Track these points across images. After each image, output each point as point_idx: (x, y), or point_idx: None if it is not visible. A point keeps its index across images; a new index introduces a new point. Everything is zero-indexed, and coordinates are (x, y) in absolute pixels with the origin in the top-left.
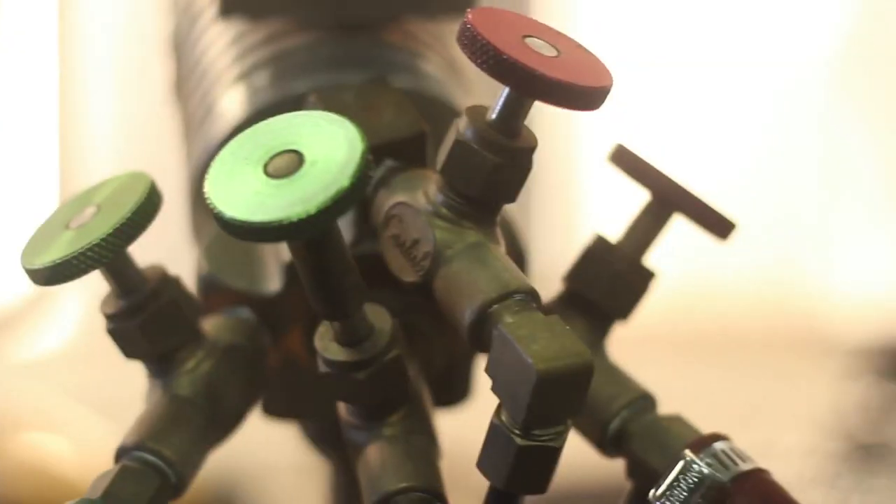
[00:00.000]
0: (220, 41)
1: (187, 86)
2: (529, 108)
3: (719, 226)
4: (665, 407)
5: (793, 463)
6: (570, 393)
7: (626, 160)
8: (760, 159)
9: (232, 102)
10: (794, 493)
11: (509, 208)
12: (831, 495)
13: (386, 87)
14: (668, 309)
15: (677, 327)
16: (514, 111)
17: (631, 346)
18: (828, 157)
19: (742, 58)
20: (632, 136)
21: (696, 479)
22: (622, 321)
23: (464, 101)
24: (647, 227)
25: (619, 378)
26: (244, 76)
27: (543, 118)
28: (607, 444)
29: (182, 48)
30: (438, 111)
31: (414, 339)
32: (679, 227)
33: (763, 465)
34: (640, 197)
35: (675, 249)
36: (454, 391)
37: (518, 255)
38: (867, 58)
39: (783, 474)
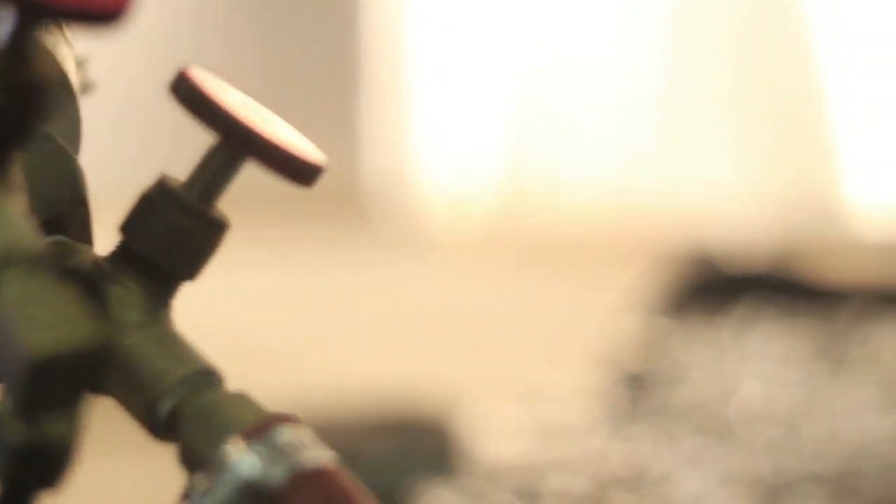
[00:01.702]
0: None
1: None
2: (233, 174)
3: (301, 172)
4: (475, 317)
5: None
6: (72, 374)
7: (187, 93)
8: (604, 75)
9: None
10: (561, 434)
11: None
12: (592, 442)
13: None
14: (503, 216)
15: (511, 234)
16: (218, 172)
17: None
18: (670, 77)
19: None
20: (472, 51)
21: (237, 476)
22: (187, 281)
23: None
24: (214, 172)
25: (177, 351)
26: None
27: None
28: (158, 427)
29: None
30: None
31: None
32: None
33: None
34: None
35: (509, 157)
36: None
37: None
38: None
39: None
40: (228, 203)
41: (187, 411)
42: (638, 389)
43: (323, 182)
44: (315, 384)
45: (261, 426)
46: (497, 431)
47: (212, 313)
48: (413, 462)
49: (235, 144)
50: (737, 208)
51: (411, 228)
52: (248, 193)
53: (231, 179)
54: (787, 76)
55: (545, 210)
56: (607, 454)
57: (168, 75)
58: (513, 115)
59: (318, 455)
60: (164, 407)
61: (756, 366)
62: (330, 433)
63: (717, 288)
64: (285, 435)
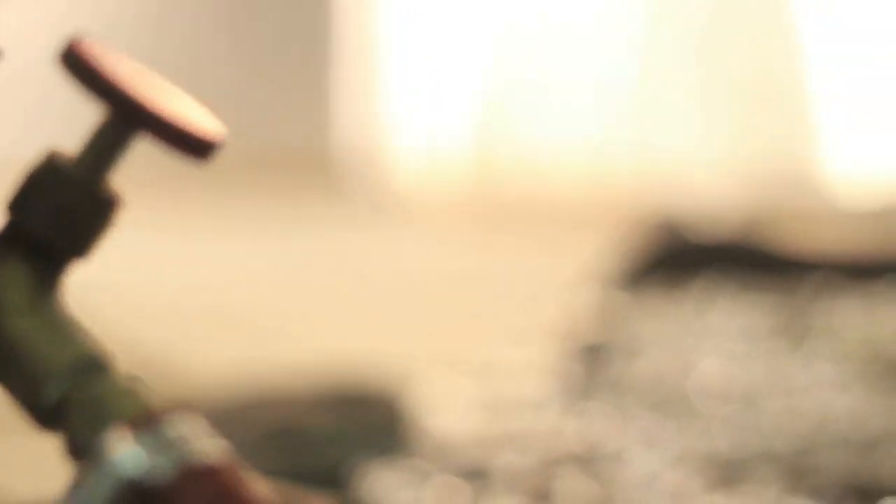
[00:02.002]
0: None
1: None
2: (125, 148)
3: (194, 146)
4: (439, 286)
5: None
6: None
7: (76, 64)
8: (576, 42)
9: None
10: (513, 410)
11: None
12: (545, 419)
13: None
14: (473, 183)
15: (481, 201)
16: (109, 147)
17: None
18: (643, 43)
19: None
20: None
21: (116, 470)
22: (78, 259)
23: None
24: (105, 147)
25: (64, 334)
26: None
27: None
28: (44, 414)
29: None
30: None
31: None
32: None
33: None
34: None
35: (481, 123)
36: None
37: None
38: None
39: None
40: (194, 169)
41: (74, 399)
42: (594, 364)
43: (294, 148)
44: (270, 353)
45: (151, 417)
46: (448, 407)
47: (175, 279)
48: (360, 437)
49: (125, 118)
50: (709, 176)
51: (381, 196)
52: (222, 160)
53: (123, 154)
54: (762, 43)
55: (515, 177)
56: (560, 431)
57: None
58: (484, 82)
59: (210, 450)
60: (51, 394)
61: (716, 341)
62: (275, 406)
63: (682, 257)
64: (176, 428)
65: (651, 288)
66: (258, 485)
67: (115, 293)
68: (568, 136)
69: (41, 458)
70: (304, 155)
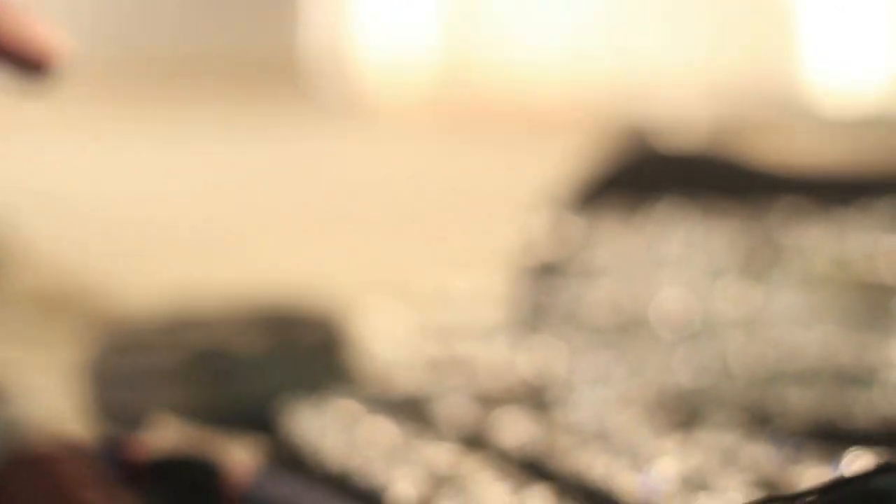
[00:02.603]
0: None
1: None
2: None
3: (29, 63)
4: (396, 199)
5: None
6: None
7: None
8: None
9: None
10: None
11: None
12: (492, 348)
13: None
14: (439, 89)
15: (446, 108)
16: None
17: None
18: None
19: None
20: None
21: None
22: None
23: None
24: None
25: None
26: None
27: None
28: None
29: None
30: None
31: None
32: None
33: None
34: None
35: (448, 27)
36: None
37: None
38: None
39: None
40: (159, 75)
41: None
42: (546, 291)
43: (259, 50)
44: (211, 270)
45: None
46: (389, 334)
47: (124, 189)
48: (293, 362)
49: None
50: (683, 85)
51: (347, 99)
52: (184, 64)
53: None
54: None
55: (484, 81)
56: (506, 365)
57: None
58: None
59: (40, 438)
60: None
61: (677, 268)
62: (203, 327)
63: (649, 170)
64: (7, 413)
65: (612, 206)
66: (87, 476)
67: (60, 203)
68: (538, 40)
69: None
70: (269, 57)
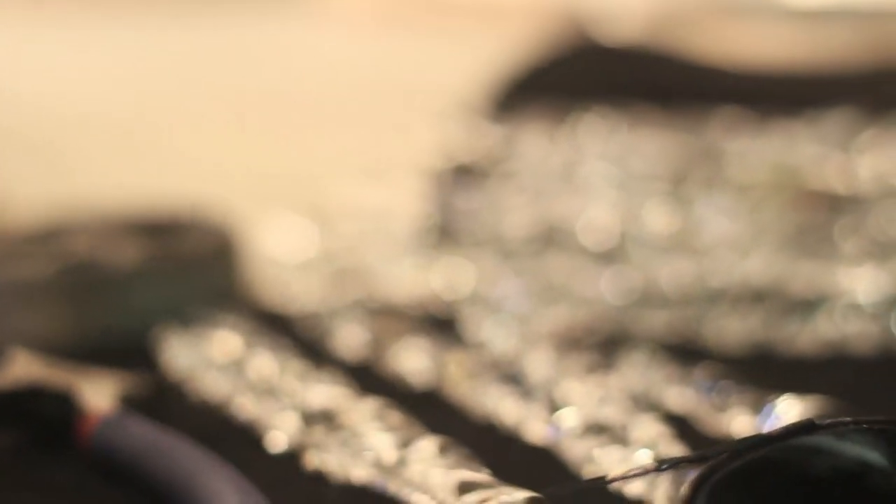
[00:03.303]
0: None
1: None
2: None
3: None
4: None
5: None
6: None
7: None
8: None
9: None
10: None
11: None
12: (398, 268)
13: None
14: None
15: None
16: None
17: None
18: None
19: None
20: None
21: None
22: None
23: None
24: None
25: None
26: None
27: None
28: None
29: None
30: None
31: None
32: None
33: None
34: None
35: None
36: None
37: None
38: None
39: None
40: None
41: None
42: (459, 204)
43: None
44: (109, 170)
45: None
46: (288, 246)
47: (35, 78)
48: (171, 275)
49: None
50: None
51: None
52: None
53: None
54: None
55: None
56: (412, 287)
57: None
58: None
59: None
60: None
61: (602, 181)
62: (76, 235)
63: (582, 64)
64: None
65: (540, 107)
66: None
67: None
68: None
69: None
70: None
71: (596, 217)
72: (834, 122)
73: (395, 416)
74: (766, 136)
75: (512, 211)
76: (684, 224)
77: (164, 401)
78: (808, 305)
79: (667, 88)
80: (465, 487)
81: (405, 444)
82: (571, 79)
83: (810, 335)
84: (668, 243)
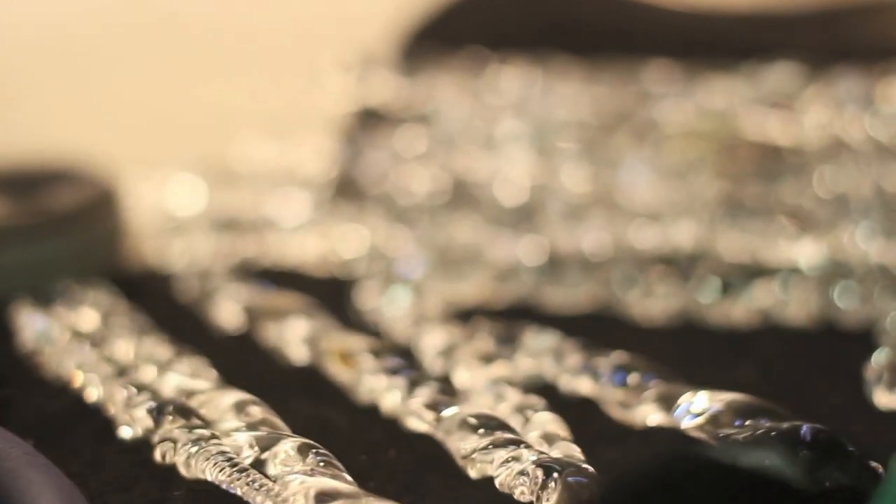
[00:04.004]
0: None
1: None
2: None
3: None
4: None
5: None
6: None
7: None
8: None
9: None
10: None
11: None
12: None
13: None
14: None
15: None
16: None
17: None
18: None
19: None
20: None
21: None
22: None
23: None
24: None
25: None
26: None
27: None
28: None
29: None
30: None
31: None
32: None
33: None
34: None
35: None
36: None
37: None
38: None
39: None
40: None
41: None
42: (358, 160)
43: None
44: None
45: None
46: (171, 201)
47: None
48: (41, 238)
49: None
50: None
51: None
52: None
53: None
54: None
55: None
56: (307, 246)
57: None
58: None
59: None
60: None
61: (517, 134)
62: None
63: (498, 14)
64: None
65: (452, 54)
66: None
67: None
68: None
69: None
70: None
71: (510, 174)
72: (778, 72)
73: (258, 410)
74: (703, 87)
75: (418, 165)
76: (607, 183)
77: (8, 376)
78: (743, 272)
79: (592, 35)
80: (322, 497)
81: (264, 444)
82: (487, 24)
83: (744, 304)
84: (587, 203)
